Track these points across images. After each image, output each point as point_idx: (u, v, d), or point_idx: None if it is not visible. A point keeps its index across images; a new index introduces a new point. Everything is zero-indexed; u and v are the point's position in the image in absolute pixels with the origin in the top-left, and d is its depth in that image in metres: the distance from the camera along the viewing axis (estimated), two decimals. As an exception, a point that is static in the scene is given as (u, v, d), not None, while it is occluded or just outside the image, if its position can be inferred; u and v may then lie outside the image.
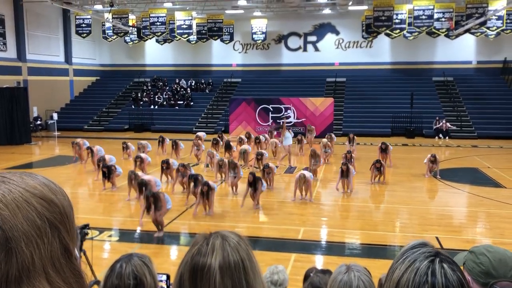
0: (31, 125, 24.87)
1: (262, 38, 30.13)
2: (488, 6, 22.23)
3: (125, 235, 9.14)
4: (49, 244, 0.78)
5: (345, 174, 12.00)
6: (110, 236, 8.94)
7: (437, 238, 8.69)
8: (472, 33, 25.63)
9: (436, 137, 24.09)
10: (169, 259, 8.03)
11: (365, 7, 26.68)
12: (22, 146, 21.79)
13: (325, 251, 8.44)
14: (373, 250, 8.25)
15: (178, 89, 31.16)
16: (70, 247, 0.82)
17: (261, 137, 19.13)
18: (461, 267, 1.68)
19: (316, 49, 32.15)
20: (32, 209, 0.77)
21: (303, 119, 23.60)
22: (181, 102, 30.07)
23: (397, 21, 23.81)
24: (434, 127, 24.49)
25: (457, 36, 26.06)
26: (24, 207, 0.76)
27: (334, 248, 8.48)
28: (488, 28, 23.82)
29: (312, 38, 32.13)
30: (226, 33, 28.87)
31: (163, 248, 8.54)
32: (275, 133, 20.82)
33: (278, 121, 18.51)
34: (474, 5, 22.40)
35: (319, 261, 7.88)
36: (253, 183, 10.50)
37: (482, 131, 24.26)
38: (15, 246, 0.74)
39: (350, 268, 2.11)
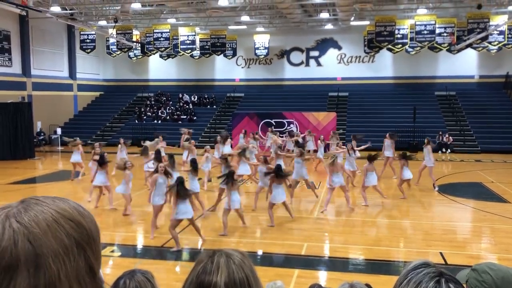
0: (34, 140, 24.96)
1: (265, 53, 30.33)
2: (490, 21, 22.38)
3: (127, 251, 9.12)
4: (75, 262, 0.82)
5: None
6: (112, 251, 8.91)
7: (441, 253, 8.62)
8: (474, 48, 25.76)
9: (439, 152, 24.05)
10: (171, 275, 7.99)
11: (367, 23, 26.88)
12: (25, 161, 21.85)
13: (328, 266, 8.38)
14: (377, 266, 8.18)
15: (181, 104, 31.31)
16: (95, 267, 0.87)
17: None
18: (464, 285, 1.68)
19: (319, 64, 32.32)
20: (61, 229, 0.83)
21: (306, 134, 23.59)
22: (184, 116, 30.19)
23: (399, 36, 23.98)
24: (437, 141, 24.49)
25: (459, 50, 26.20)
26: (54, 227, 0.82)
27: (338, 264, 8.42)
28: (490, 42, 23.95)
29: (315, 53, 32.32)
30: (229, 49, 29.10)
31: (165, 263, 8.51)
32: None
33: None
34: (475, 20, 22.55)
35: (322, 277, 7.82)
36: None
37: (485, 146, 24.21)
38: (44, 262, 0.79)
39: (353, 286, 2.10)
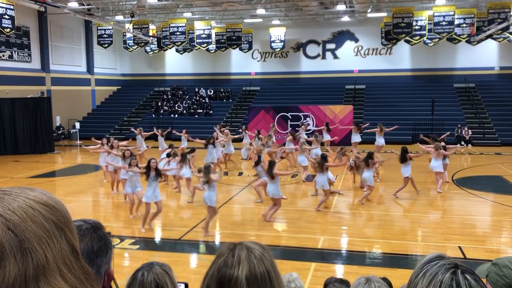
0: (54, 134, 25.36)
1: (281, 46, 30.19)
2: (511, 11, 21.89)
3: (146, 243, 9.22)
4: (58, 244, 0.83)
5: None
6: (131, 244, 9.02)
7: (460, 247, 8.53)
8: (494, 39, 25.25)
9: (458, 145, 23.68)
10: (188, 267, 8.06)
11: (384, 14, 26.54)
12: (45, 155, 22.21)
13: (345, 260, 8.36)
14: (394, 260, 8.13)
15: (198, 98, 31.43)
16: (76, 247, 0.88)
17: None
18: (484, 280, 1.66)
19: (335, 57, 32.07)
20: (38, 213, 0.83)
21: (322, 127, 23.50)
22: (201, 110, 30.31)
23: (417, 27, 23.61)
24: (455, 134, 24.13)
25: (479, 41, 25.68)
26: (30, 212, 0.83)
27: (355, 258, 8.39)
28: (511, 33, 23.43)
29: (331, 46, 32.07)
30: (245, 42, 29.03)
31: (182, 256, 8.59)
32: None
33: None
34: (496, 10, 22.07)
35: (339, 270, 7.80)
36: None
37: (505, 138, 23.78)
38: (29, 246, 0.79)
39: (370, 279, 2.09)
